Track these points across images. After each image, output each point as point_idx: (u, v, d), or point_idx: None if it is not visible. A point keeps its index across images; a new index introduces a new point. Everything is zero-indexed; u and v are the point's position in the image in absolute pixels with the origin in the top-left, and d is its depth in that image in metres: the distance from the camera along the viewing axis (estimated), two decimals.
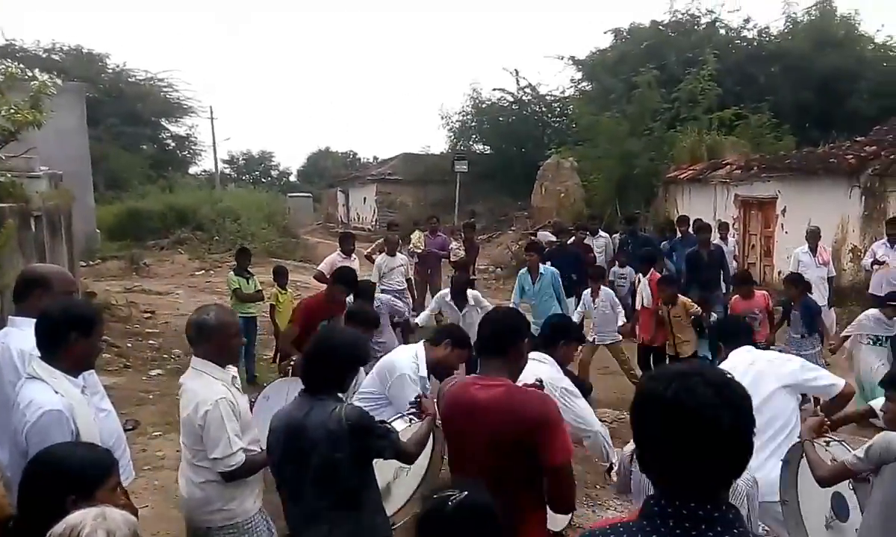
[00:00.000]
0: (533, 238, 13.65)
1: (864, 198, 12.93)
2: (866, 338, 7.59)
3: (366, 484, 3.11)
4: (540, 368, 3.86)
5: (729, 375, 1.58)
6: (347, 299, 6.72)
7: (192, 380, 3.42)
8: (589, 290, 9.17)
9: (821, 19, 24.25)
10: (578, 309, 9.25)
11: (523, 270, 9.33)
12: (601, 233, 12.32)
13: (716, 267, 10.30)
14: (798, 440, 3.71)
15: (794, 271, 10.19)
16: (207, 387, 3.34)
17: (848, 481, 3.41)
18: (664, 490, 1.56)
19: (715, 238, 11.66)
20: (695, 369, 1.57)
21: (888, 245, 9.85)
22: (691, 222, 12.27)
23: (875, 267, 9.83)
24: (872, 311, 7.66)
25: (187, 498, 3.53)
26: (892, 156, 12.69)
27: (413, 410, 3.68)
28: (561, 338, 4.33)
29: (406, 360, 4.47)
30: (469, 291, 8.45)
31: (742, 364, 4.04)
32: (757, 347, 5.75)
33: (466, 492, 2.05)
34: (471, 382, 2.97)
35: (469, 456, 2.88)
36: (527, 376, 3.19)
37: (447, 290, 8.66)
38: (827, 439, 3.60)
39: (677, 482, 1.53)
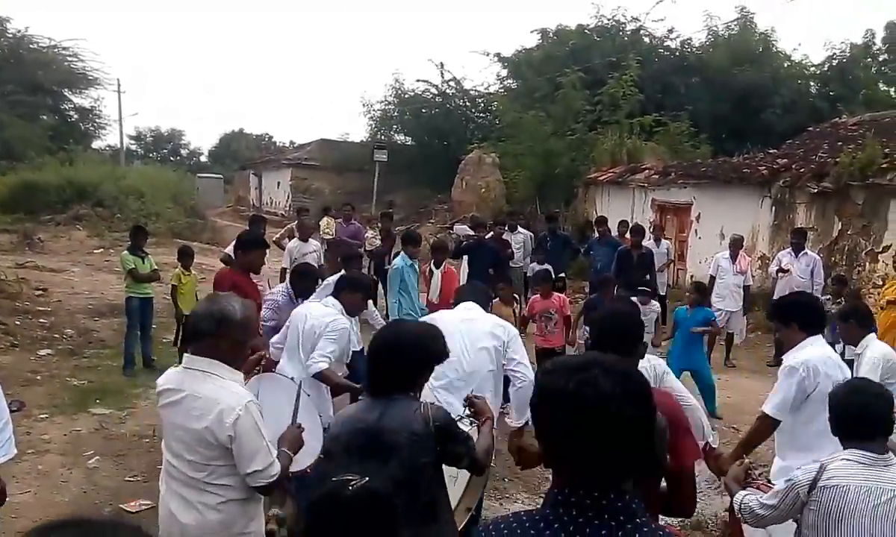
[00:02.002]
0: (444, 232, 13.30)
1: (774, 208, 13.27)
2: None
3: (444, 493, 2.78)
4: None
5: (628, 364, 1.59)
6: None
7: (201, 383, 2.78)
8: None
9: (740, 34, 24.95)
10: None
11: (408, 263, 8.65)
12: (520, 229, 12.18)
13: (644, 269, 10.35)
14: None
15: (713, 275, 10.44)
16: (227, 391, 2.76)
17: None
18: (567, 480, 1.54)
19: (648, 239, 11.78)
20: (594, 360, 1.57)
21: (792, 254, 10.24)
22: (613, 223, 12.31)
23: (780, 274, 10.18)
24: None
25: (195, 525, 2.83)
26: (801, 170, 13.04)
27: (469, 413, 3.26)
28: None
29: (331, 312, 4.92)
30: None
31: None
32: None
33: (367, 478, 2.01)
34: None
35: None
36: None
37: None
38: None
39: (580, 472, 1.52)
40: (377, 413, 2.71)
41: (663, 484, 2.71)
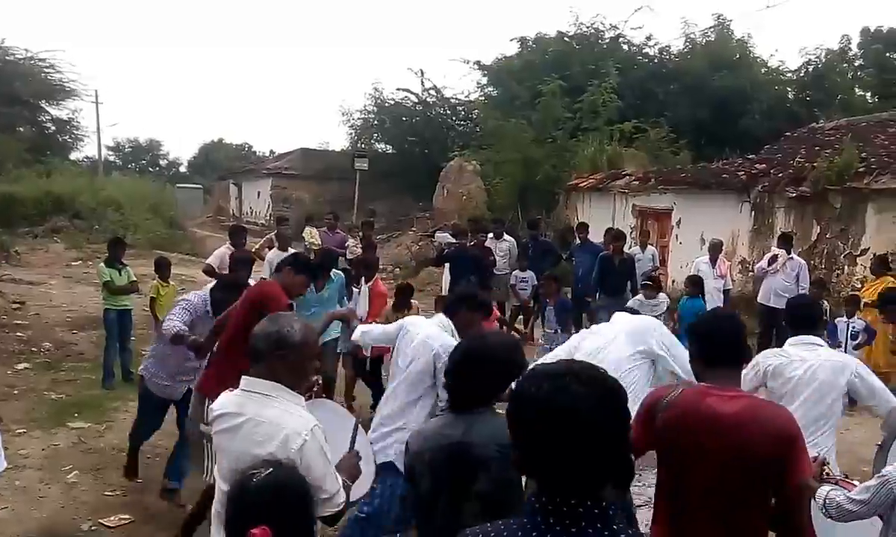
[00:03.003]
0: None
1: (753, 213, 13.37)
2: None
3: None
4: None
5: (602, 371, 1.58)
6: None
7: (263, 406, 2.62)
8: None
9: (718, 41, 25.19)
10: None
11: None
12: (506, 237, 12.13)
13: (625, 275, 10.38)
14: None
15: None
16: (292, 415, 2.62)
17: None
18: (543, 488, 1.54)
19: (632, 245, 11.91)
20: (569, 368, 1.57)
21: None
22: (594, 229, 12.35)
23: (770, 265, 10.21)
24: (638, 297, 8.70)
25: None
26: (780, 175, 13.16)
27: None
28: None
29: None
30: None
31: None
32: None
33: (272, 470, 2.09)
34: (704, 392, 2.64)
35: (699, 475, 2.60)
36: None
37: None
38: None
39: (556, 480, 1.52)
40: (461, 428, 2.63)
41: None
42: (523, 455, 1.57)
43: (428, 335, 4.22)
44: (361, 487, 3.19)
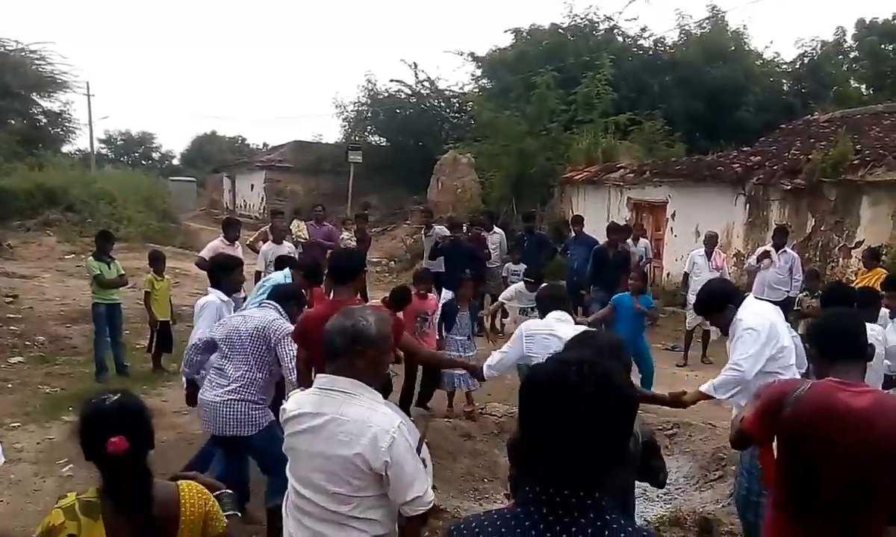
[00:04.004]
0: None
1: (748, 205, 13.37)
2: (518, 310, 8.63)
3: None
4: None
5: (614, 367, 1.59)
6: None
7: (344, 405, 2.52)
8: None
9: (712, 33, 25.18)
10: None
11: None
12: (496, 229, 12.16)
13: (619, 268, 10.39)
14: None
15: (688, 272, 10.53)
16: (376, 412, 2.53)
17: None
18: (540, 477, 1.56)
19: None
20: (582, 359, 1.58)
21: (773, 251, 10.30)
22: (589, 222, 12.35)
23: (761, 261, 10.26)
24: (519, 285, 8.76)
25: None
26: (775, 167, 13.15)
27: None
28: None
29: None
30: None
31: None
32: None
33: (120, 394, 2.29)
34: (834, 387, 2.64)
35: (830, 467, 2.61)
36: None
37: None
38: None
39: (551, 470, 1.53)
40: None
41: None
42: (525, 438, 1.59)
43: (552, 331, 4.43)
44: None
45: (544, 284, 6.61)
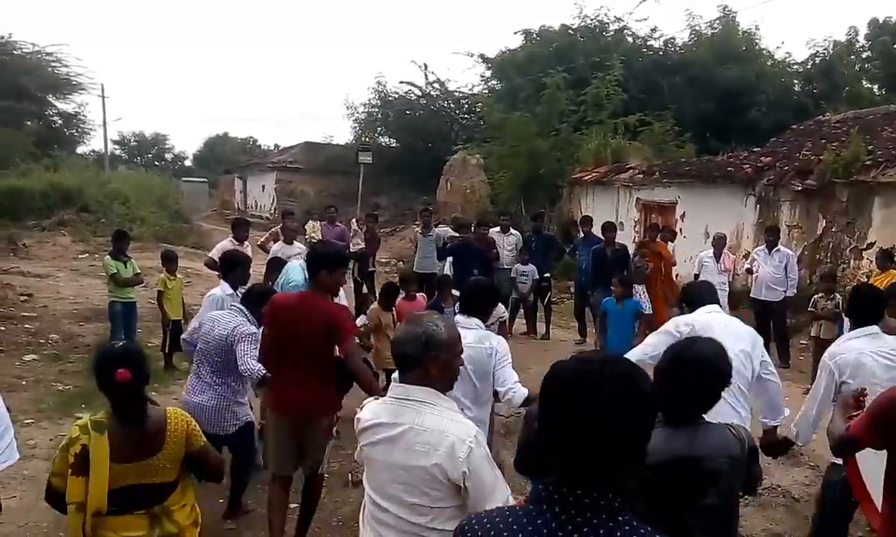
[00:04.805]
0: None
1: (758, 206, 13.32)
2: None
3: None
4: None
5: (637, 370, 1.58)
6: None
7: (420, 414, 2.49)
8: None
9: (723, 33, 25.11)
10: None
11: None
12: (512, 230, 12.06)
13: (620, 265, 10.38)
14: None
15: (697, 273, 10.51)
16: (453, 421, 2.48)
17: None
18: (555, 475, 1.55)
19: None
20: (605, 358, 1.59)
21: (766, 251, 10.33)
22: (597, 223, 12.27)
23: (749, 275, 10.49)
24: None
25: None
26: (785, 168, 13.10)
27: None
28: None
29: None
30: None
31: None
32: None
33: (125, 342, 3.03)
34: None
35: None
36: None
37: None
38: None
39: (567, 469, 1.53)
40: (684, 441, 2.50)
41: None
42: (543, 435, 1.59)
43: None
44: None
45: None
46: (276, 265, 7.42)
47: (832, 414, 3.33)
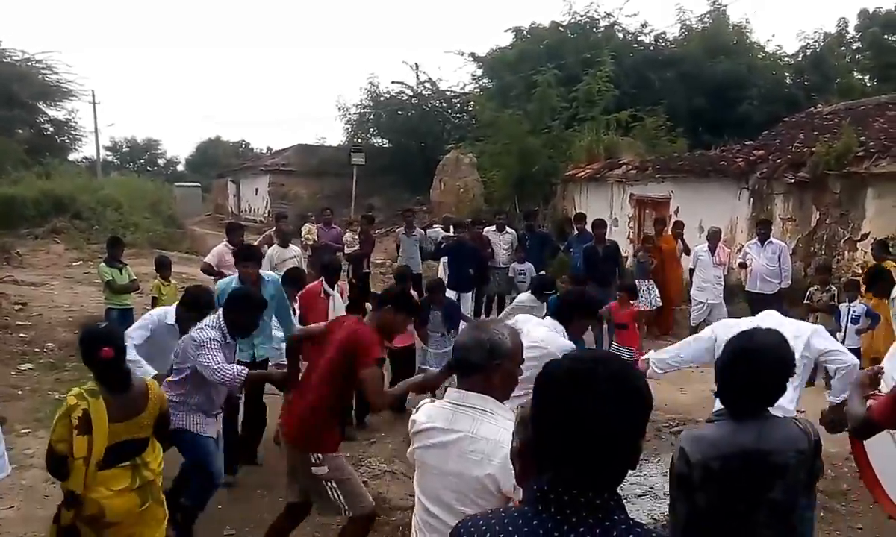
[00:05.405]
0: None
1: (752, 200, 13.32)
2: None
3: None
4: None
5: (631, 369, 1.57)
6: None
7: (478, 423, 2.44)
8: None
9: (714, 27, 25.16)
10: None
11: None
12: (508, 229, 12.05)
13: (611, 262, 10.38)
14: None
15: (692, 268, 10.53)
16: (508, 431, 2.35)
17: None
18: (550, 476, 1.54)
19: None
20: (601, 357, 1.58)
21: (758, 244, 10.33)
22: (591, 220, 12.30)
23: (741, 269, 10.54)
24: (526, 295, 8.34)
25: None
26: (778, 161, 13.09)
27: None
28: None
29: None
30: None
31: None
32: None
33: (106, 323, 4.15)
34: None
35: None
36: None
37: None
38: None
39: (561, 468, 1.52)
40: (751, 434, 2.48)
41: None
42: (538, 434, 1.58)
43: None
44: None
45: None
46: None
47: (850, 394, 3.34)
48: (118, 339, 3.59)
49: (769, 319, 4.16)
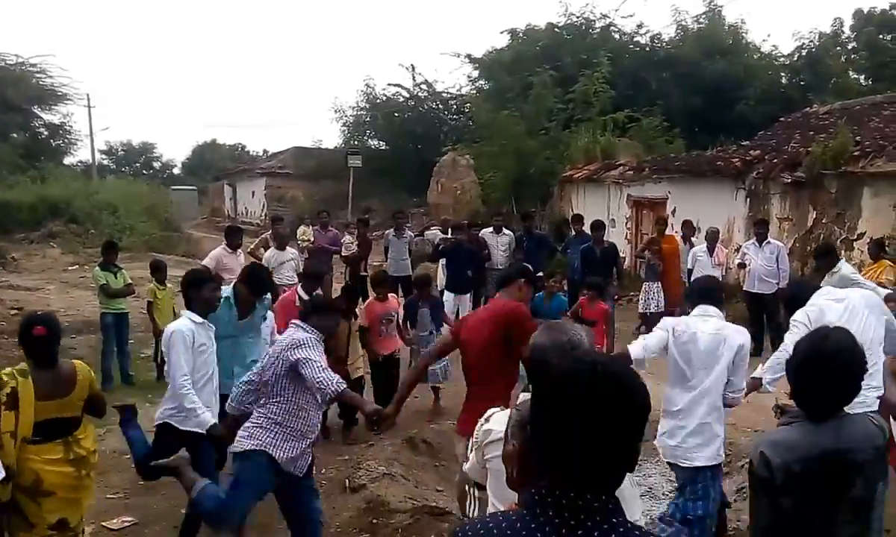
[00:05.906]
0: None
1: (748, 199, 13.35)
2: None
3: None
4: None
5: (627, 368, 1.57)
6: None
7: None
8: None
9: (710, 28, 25.23)
10: None
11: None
12: (505, 231, 12.03)
13: (609, 263, 10.37)
14: None
15: (690, 268, 10.52)
16: None
17: None
18: (548, 479, 1.54)
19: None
20: (598, 359, 1.56)
21: (756, 244, 10.30)
22: (589, 221, 12.29)
23: (740, 269, 10.54)
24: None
25: None
26: (774, 161, 13.13)
27: None
28: None
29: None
30: None
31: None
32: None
33: (47, 313, 4.45)
34: None
35: None
36: None
37: None
38: None
39: (560, 471, 1.51)
40: (830, 434, 2.46)
41: None
42: (537, 436, 1.57)
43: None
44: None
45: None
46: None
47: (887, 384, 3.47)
48: (53, 324, 4.06)
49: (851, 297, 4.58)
